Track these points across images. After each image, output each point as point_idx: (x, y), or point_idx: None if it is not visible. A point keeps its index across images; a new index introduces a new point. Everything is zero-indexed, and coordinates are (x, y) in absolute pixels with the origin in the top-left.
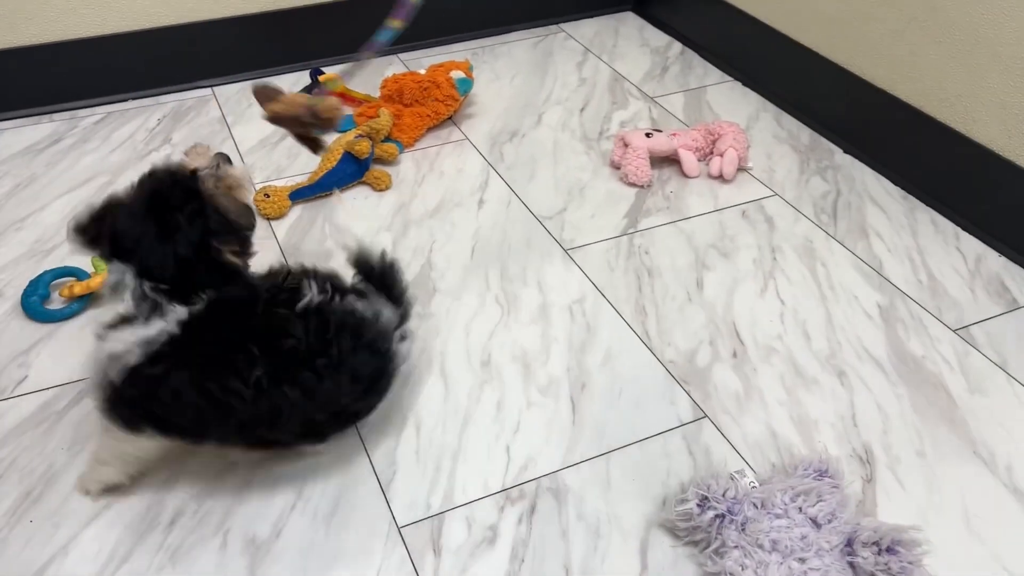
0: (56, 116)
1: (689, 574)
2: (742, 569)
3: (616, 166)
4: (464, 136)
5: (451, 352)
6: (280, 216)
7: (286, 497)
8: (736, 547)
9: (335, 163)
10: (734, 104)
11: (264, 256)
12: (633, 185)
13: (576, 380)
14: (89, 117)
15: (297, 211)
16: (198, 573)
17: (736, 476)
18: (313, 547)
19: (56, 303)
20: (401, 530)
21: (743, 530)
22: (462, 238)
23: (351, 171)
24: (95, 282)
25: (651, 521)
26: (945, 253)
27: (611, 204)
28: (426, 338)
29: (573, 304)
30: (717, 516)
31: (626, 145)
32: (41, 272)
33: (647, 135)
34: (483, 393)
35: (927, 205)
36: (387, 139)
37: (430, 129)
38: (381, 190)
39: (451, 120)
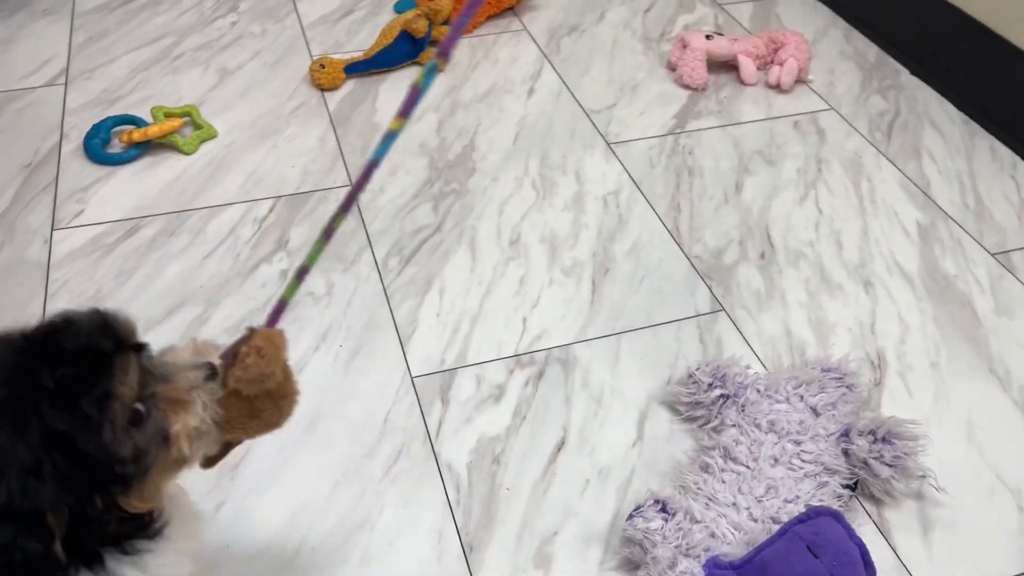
0: None
1: (684, 447)
2: (736, 444)
3: (673, 68)
4: (523, 27)
5: (483, 228)
6: (333, 87)
7: (311, 338)
8: (734, 425)
9: (391, 40)
10: (804, 17)
11: (315, 125)
12: (687, 87)
13: (600, 265)
14: None
15: (350, 85)
16: None
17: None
18: (331, 385)
19: (116, 147)
20: (414, 379)
21: (743, 411)
22: (508, 124)
23: (406, 50)
24: (153, 130)
25: (653, 397)
26: (998, 180)
27: (662, 104)
28: (460, 213)
29: (608, 195)
30: (722, 395)
31: (685, 46)
32: (104, 118)
33: (707, 37)
34: (508, 268)
35: (989, 132)
36: (446, 22)
37: (490, 17)
38: None
39: (512, 11)
